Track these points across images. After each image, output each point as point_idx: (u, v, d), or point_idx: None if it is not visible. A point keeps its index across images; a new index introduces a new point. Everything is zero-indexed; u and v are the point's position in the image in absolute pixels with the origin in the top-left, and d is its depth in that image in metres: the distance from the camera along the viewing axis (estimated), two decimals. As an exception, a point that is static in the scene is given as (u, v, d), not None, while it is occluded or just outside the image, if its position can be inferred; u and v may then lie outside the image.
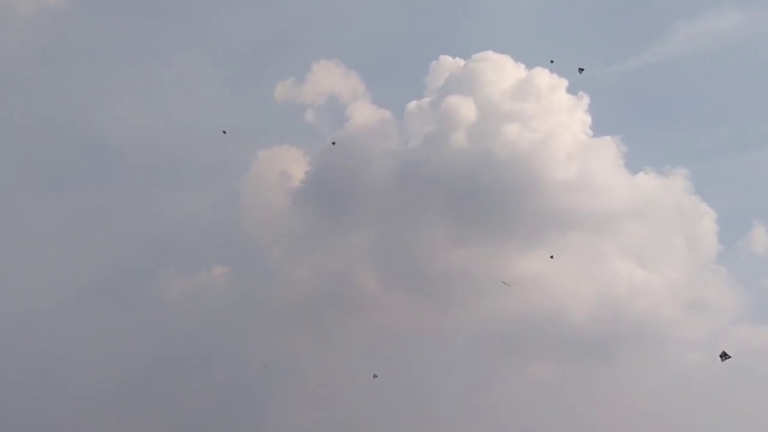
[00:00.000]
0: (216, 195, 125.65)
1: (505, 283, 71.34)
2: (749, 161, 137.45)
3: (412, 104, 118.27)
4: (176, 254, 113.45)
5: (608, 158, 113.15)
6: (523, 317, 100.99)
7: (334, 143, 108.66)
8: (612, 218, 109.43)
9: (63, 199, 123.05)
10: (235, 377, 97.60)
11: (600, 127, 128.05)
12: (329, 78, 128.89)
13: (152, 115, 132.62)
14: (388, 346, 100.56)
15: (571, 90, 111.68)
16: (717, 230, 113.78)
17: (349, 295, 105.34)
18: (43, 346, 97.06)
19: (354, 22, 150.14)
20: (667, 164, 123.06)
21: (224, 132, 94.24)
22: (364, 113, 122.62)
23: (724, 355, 65.92)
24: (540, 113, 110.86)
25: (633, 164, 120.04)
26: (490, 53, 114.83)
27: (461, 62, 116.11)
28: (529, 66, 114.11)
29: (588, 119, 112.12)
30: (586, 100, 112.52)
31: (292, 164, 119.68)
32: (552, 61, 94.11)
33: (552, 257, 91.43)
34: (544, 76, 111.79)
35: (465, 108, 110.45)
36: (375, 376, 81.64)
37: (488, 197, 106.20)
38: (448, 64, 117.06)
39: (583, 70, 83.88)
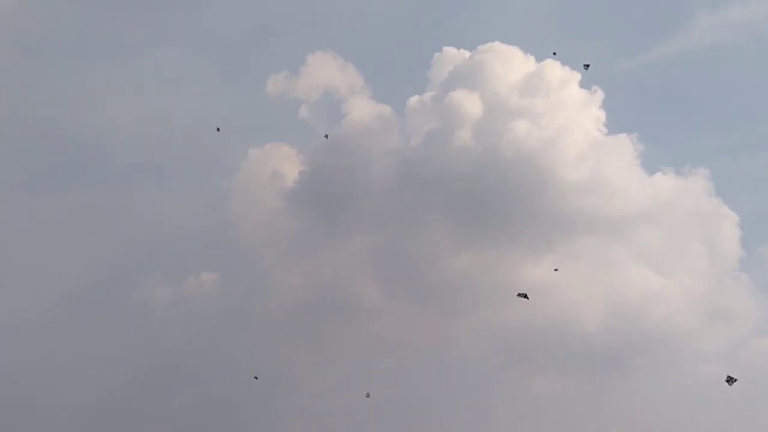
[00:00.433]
0: (204, 196, 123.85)
1: (522, 295, 67.18)
2: None
3: (414, 99, 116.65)
4: (162, 260, 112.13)
5: (623, 157, 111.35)
6: (531, 327, 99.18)
7: (326, 136, 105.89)
8: (626, 222, 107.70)
9: (41, 201, 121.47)
10: (225, 390, 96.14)
11: (615, 124, 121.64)
12: (325, 71, 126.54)
13: (136, 112, 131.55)
14: (387, 359, 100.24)
15: (584, 84, 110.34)
16: (739, 235, 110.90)
17: (345, 303, 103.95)
18: (21, 357, 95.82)
19: (352, 12, 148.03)
20: (687, 164, 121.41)
21: (218, 130, 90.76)
22: (362, 109, 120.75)
23: (730, 380, 63.65)
24: (550, 109, 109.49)
25: (650, 164, 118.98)
26: (497, 44, 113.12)
27: (466, 54, 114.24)
28: (539, 58, 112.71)
29: (602, 116, 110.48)
30: (600, 95, 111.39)
31: (285, 163, 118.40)
32: (554, 53, 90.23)
33: (556, 270, 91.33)
34: (554, 69, 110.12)
35: (470, 103, 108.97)
36: (368, 395, 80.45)
37: (494, 199, 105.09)
38: (452, 56, 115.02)
39: (588, 66, 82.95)
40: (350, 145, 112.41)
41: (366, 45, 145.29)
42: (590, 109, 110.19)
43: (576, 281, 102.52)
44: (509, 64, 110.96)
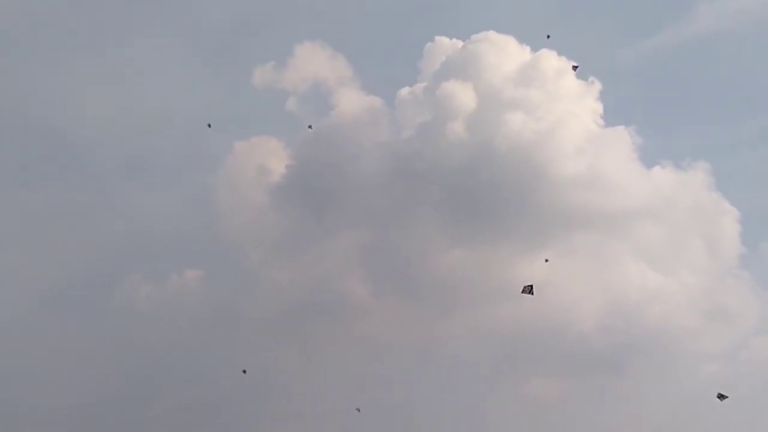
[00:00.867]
0: (188, 191, 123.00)
1: (528, 289, 64.59)
2: None
3: (405, 91, 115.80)
4: (144, 257, 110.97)
5: (621, 151, 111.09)
6: (525, 327, 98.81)
7: (310, 127, 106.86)
8: (624, 217, 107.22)
9: (18, 197, 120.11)
10: (209, 393, 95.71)
11: (612, 116, 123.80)
12: (313, 62, 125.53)
13: (117, 104, 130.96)
14: (376, 360, 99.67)
15: (581, 75, 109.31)
16: (740, 231, 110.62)
17: (334, 302, 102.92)
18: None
19: (341, 1, 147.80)
20: (687, 157, 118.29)
21: (209, 126, 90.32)
22: (351, 101, 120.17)
23: (721, 397, 64.14)
24: (546, 101, 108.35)
25: (648, 157, 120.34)
26: (491, 33, 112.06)
27: (459, 44, 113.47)
28: (535, 48, 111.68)
29: (599, 107, 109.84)
30: (597, 86, 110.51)
31: (272, 157, 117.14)
32: (548, 36, 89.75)
33: (546, 260, 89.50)
34: (550, 59, 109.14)
35: (463, 95, 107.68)
36: (358, 410, 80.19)
37: (488, 193, 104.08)
38: (445, 46, 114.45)
39: (577, 67, 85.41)
40: (339, 138, 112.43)
41: (355, 35, 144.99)
42: (587, 101, 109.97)
43: (572, 279, 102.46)
44: (504, 54, 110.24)
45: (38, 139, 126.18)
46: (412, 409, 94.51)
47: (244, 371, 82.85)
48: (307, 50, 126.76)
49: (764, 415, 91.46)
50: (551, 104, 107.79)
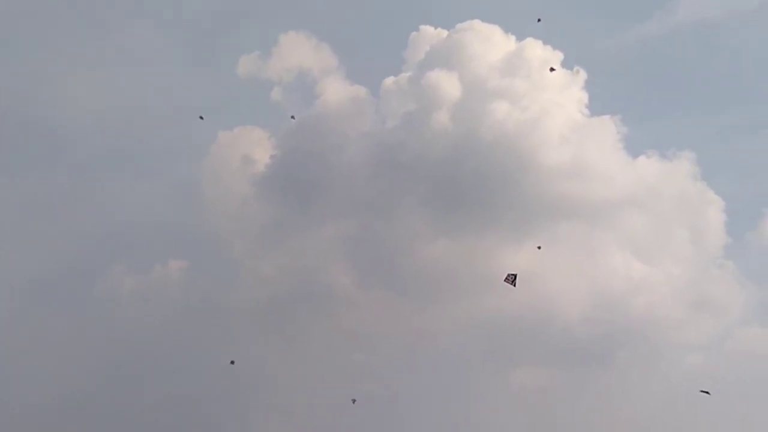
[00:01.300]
0: (172, 182, 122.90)
1: (510, 279, 64.05)
2: (762, 144, 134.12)
3: (389, 80, 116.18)
4: (127, 248, 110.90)
5: (606, 140, 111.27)
6: (510, 317, 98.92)
7: (293, 117, 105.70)
8: (609, 207, 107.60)
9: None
10: (193, 384, 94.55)
11: (598, 105, 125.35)
12: (298, 51, 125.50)
13: (99, 94, 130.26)
14: (362, 351, 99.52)
15: (567, 64, 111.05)
16: (725, 221, 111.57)
17: (319, 293, 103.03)
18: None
19: None
20: (672, 147, 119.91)
21: (201, 117, 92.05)
22: (336, 90, 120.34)
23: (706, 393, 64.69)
24: (531, 90, 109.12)
25: (634, 147, 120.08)
26: (476, 23, 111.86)
27: (444, 33, 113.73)
28: (520, 37, 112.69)
29: (584, 97, 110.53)
30: (582, 75, 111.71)
31: (256, 147, 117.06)
32: (539, 20, 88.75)
33: (539, 248, 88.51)
34: (536, 49, 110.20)
35: (448, 84, 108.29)
36: (354, 401, 78.70)
37: (473, 184, 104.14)
38: (430, 35, 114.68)
39: (554, 69, 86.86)
40: (324, 128, 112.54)
41: (340, 24, 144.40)
42: (572, 91, 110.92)
43: (557, 269, 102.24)
44: (489, 44, 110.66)
45: (21, 129, 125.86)
46: (397, 400, 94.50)
47: (232, 362, 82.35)
48: (291, 40, 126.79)
49: (748, 406, 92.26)
50: (536, 94, 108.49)
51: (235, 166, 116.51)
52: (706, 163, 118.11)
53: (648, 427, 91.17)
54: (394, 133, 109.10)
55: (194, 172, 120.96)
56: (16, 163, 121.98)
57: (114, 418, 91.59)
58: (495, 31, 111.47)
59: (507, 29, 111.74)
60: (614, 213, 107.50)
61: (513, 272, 64.75)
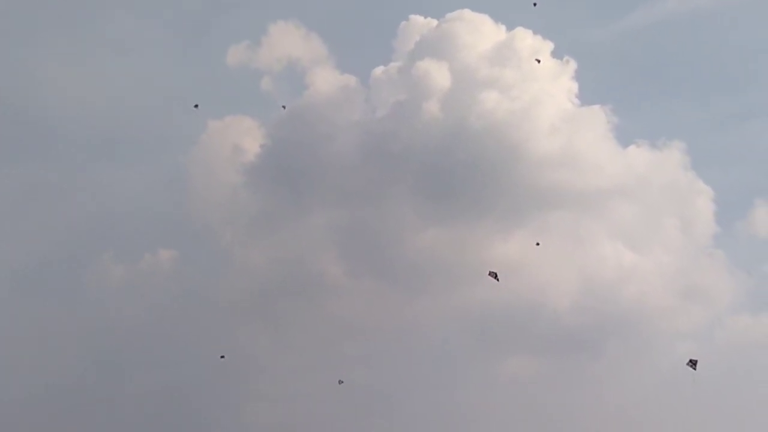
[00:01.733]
0: (161, 171, 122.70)
1: (493, 275, 68.12)
2: (751, 134, 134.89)
3: (379, 70, 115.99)
4: (116, 237, 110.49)
5: (596, 130, 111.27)
6: (500, 306, 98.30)
7: (284, 107, 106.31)
8: (600, 196, 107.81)
9: None
10: (183, 375, 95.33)
11: (588, 95, 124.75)
12: (287, 41, 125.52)
13: (88, 83, 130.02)
14: (351, 341, 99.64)
15: (557, 54, 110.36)
16: (714, 210, 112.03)
17: (309, 283, 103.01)
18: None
19: None
20: (662, 136, 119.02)
21: (196, 106, 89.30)
22: (326, 80, 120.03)
23: (692, 363, 64.87)
24: (521, 80, 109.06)
25: (624, 136, 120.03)
26: (466, 12, 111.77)
27: (434, 23, 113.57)
28: (510, 27, 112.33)
29: (575, 87, 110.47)
30: (572, 65, 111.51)
31: (246, 137, 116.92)
32: (535, 4, 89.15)
33: (538, 244, 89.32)
34: (526, 38, 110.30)
35: (438, 74, 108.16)
36: (340, 382, 79.97)
37: (463, 173, 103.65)
38: (419, 24, 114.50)
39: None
40: (314, 117, 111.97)
41: (330, 14, 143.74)
42: (562, 80, 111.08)
43: (547, 258, 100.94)
44: (478, 33, 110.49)
45: (9, 119, 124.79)
46: (387, 389, 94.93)
47: (222, 357, 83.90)
48: (281, 29, 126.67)
49: (738, 394, 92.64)
50: (526, 83, 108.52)
51: (225, 156, 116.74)
52: (695, 152, 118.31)
53: (638, 415, 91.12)
54: (384, 123, 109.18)
55: (184, 161, 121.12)
56: (3, 153, 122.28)
57: (102, 407, 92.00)
58: (485, 21, 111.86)
59: (497, 19, 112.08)
60: (604, 202, 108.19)
61: (495, 269, 67.51)
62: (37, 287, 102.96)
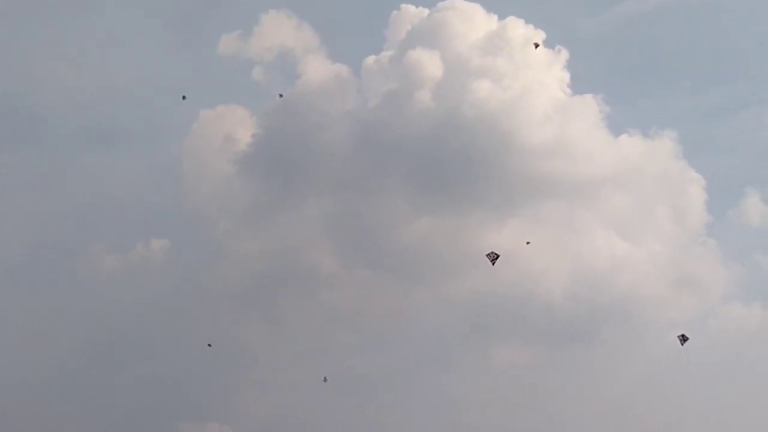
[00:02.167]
0: (153, 161, 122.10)
1: (493, 256, 66.15)
2: (743, 123, 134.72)
3: (371, 59, 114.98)
4: (108, 227, 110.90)
5: (589, 119, 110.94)
6: (493, 296, 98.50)
7: (281, 95, 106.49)
8: (592, 185, 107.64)
9: None
10: (176, 366, 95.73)
11: (580, 84, 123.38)
12: (279, 30, 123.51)
13: (78, 73, 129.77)
14: (344, 330, 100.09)
15: (549, 43, 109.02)
16: (706, 199, 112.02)
17: (302, 273, 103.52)
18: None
19: None
20: (654, 126, 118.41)
21: (184, 98, 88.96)
22: (317, 70, 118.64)
23: (682, 338, 65.73)
24: (513, 69, 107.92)
25: (616, 126, 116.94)
26: (457, 1, 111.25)
27: (425, 12, 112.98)
28: (502, 16, 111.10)
29: (566, 76, 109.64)
30: (564, 54, 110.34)
31: (238, 126, 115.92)
32: None
33: (528, 243, 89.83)
34: (518, 28, 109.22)
35: (429, 63, 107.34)
36: (325, 379, 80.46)
37: (455, 163, 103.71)
38: (411, 13, 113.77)
39: None
40: (306, 107, 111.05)
41: (321, 3, 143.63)
42: (554, 70, 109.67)
43: (540, 247, 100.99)
44: (470, 22, 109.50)
45: (1, 108, 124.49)
46: (380, 378, 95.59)
47: (209, 345, 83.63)
48: (272, 19, 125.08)
49: (730, 382, 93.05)
50: (518, 73, 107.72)
51: (217, 145, 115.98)
52: (687, 141, 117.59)
53: (631, 403, 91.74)
54: (376, 113, 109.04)
55: (176, 151, 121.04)
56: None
57: (95, 398, 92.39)
58: (476, 10, 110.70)
59: (488, 8, 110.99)
60: (596, 191, 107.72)
61: (497, 252, 65.47)
62: (28, 277, 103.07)
